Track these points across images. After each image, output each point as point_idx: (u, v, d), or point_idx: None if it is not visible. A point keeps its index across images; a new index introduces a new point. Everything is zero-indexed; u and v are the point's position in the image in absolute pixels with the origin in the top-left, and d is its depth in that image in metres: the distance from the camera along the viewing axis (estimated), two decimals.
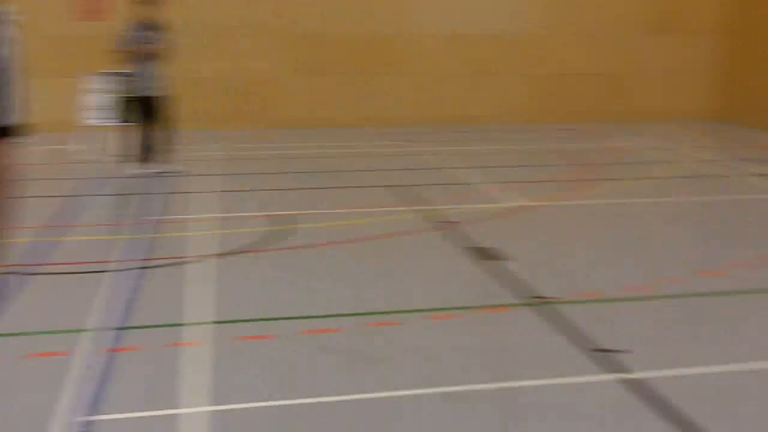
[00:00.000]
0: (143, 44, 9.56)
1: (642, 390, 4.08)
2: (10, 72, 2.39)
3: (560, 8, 14.97)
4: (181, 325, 4.93)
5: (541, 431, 3.75)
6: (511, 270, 6.04)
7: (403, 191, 8.77)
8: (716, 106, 16.03)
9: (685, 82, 15.82)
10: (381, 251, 6.64)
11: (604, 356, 4.49)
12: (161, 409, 3.89)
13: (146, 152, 9.73)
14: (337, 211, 7.99)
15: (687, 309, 5.37)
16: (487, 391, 4.12)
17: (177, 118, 9.95)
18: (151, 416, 3.84)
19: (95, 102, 10.46)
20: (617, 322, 5.08)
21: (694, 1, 15.50)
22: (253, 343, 4.69)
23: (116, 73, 9.80)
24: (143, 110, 9.66)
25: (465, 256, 6.40)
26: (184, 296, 5.45)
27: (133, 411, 3.88)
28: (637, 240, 7.15)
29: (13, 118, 2.42)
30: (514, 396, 4.06)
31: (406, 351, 4.59)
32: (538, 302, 5.35)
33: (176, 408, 3.90)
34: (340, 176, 9.84)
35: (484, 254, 6.43)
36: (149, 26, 9.61)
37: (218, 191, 8.84)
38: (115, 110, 9.88)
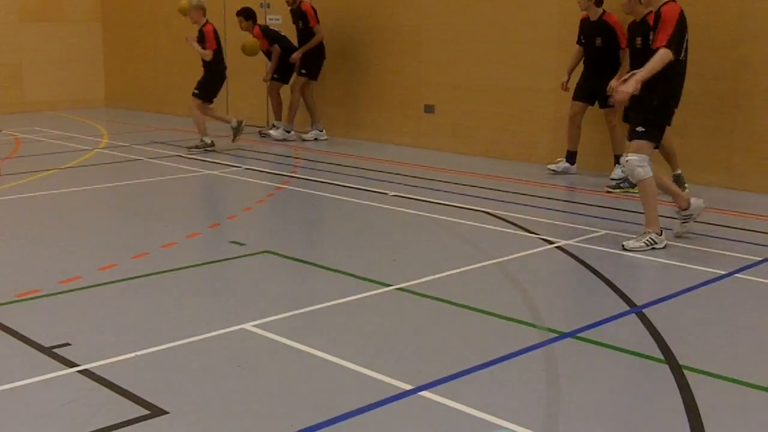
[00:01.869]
0: None
1: (97, 378, 4.15)
2: None
3: None
4: None
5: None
6: None
7: None
8: (104, 93, 16.40)
9: (72, 71, 15.87)
10: None
11: (54, 352, 4.45)
12: None
13: None
14: None
15: (121, 295, 5.53)
16: None
17: None
18: None
19: None
20: (58, 316, 5.05)
21: None
22: None
23: None
24: None
25: None
26: None
27: None
28: (55, 230, 7.12)
29: None
30: None
31: None
32: None
33: None
34: None
35: None
36: None
37: None
38: None
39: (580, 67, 9.46)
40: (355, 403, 3.90)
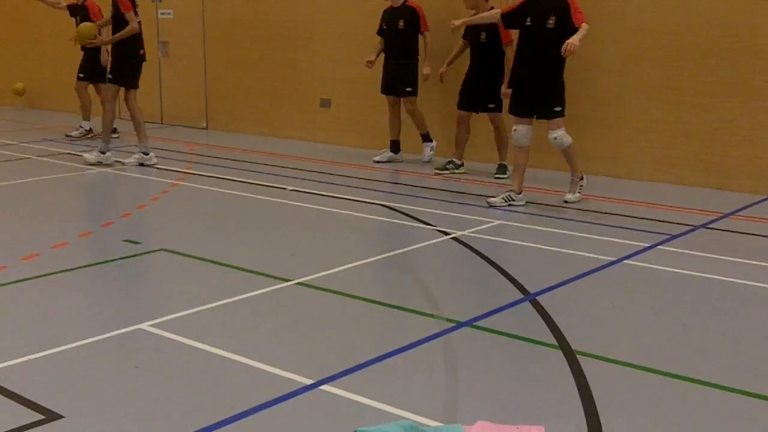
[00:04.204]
0: None
1: None
2: None
3: None
4: None
5: None
6: None
7: None
8: None
9: None
10: None
11: None
12: None
13: None
14: None
15: (11, 298, 5.37)
16: None
17: None
18: None
19: None
20: None
21: None
22: None
23: None
24: None
25: None
26: None
27: None
28: None
29: None
30: None
31: None
32: None
33: None
34: None
35: None
36: None
37: None
38: None
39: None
40: (256, 399, 3.88)
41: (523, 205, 7.74)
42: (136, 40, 9.50)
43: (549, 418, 3.73)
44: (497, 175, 9.20)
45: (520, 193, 7.80)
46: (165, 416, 3.78)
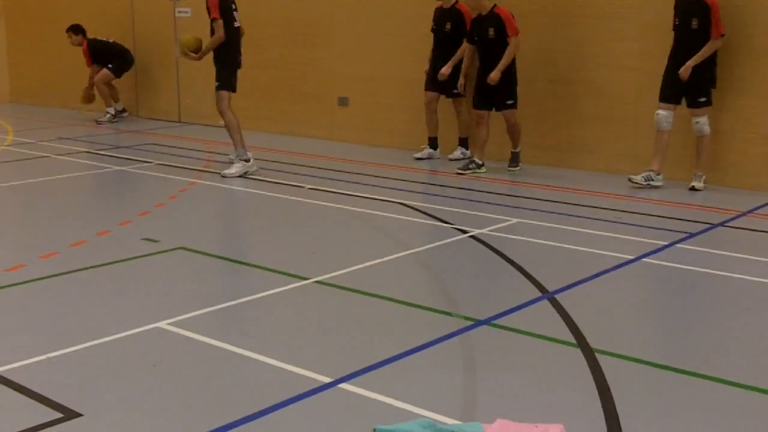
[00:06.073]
0: None
1: (6, 381, 4.05)
2: None
3: None
4: None
5: None
6: None
7: None
8: (8, 89, 15.92)
9: None
10: None
11: None
12: None
13: None
14: None
15: (30, 296, 5.39)
16: None
17: None
18: None
19: None
20: None
21: None
22: None
23: None
24: None
25: None
26: None
27: None
28: None
29: None
30: None
31: None
32: None
33: None
34: None
35: None
36: None
37: None
38: None
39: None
40: (275, 398, 3.88)
41: (660, 186, 8.37)
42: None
43: (568, 417, 3.71)
44: (510, 167, 9.30)
45: (659, 174, 8.40)
46: (183, 414, 3.78)
